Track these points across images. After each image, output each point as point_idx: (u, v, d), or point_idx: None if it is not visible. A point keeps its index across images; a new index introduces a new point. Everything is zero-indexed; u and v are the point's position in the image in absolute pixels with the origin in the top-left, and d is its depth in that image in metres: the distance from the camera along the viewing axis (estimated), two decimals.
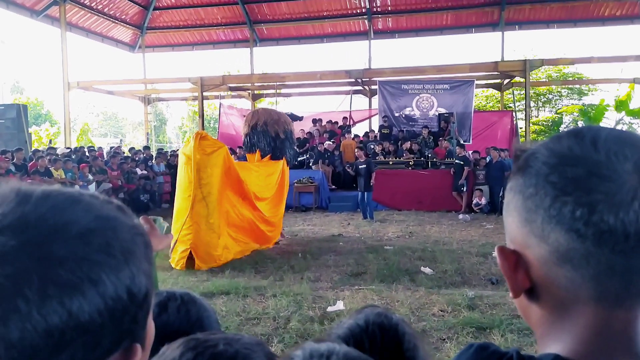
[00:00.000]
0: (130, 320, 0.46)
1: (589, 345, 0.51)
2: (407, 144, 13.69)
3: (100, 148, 16.16)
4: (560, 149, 0.52)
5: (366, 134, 15.64)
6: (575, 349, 0.51)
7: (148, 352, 0.54)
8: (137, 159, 13.99)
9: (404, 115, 15.39)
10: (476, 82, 15.72)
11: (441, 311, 4.66)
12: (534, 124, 20.90)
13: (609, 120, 21.22)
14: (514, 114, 16.00)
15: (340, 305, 4.84)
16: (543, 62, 15.68)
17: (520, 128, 16.18)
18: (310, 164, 13.95)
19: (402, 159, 13.17)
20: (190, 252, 6.57)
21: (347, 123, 16.07)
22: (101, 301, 0.43)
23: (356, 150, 11.75)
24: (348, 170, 12.99)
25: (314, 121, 16.07)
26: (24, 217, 0.43)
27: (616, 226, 0.47)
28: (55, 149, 13.77)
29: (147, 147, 16.20)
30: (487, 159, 12.42)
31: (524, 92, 14.63)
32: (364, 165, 10.73)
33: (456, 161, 12.19)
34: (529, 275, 0.54)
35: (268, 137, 7.97)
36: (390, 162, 13.08)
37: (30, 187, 0.46)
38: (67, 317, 0.41)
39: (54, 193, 0.46)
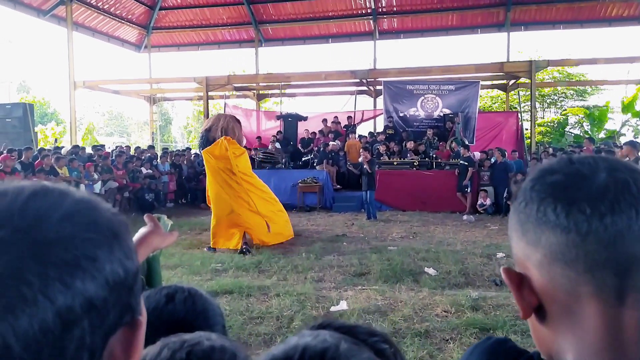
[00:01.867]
0: (127, 294, 0.47)
1: (600, 351, 0.51)
2: (411, 144, 13.68)
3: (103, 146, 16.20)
4: (542, 166, 0.58)
5: (372, 134, 15.62)
6: (587, 354, 0.52)
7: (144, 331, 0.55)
8: (142, 158, 14.05)
9: (408, 116, 15.37)
10: (482, 82, 15.68)
11: (444, 312, 4.66)
12: (539, 125, 20.82)
13: (615, 121, 21.13)
14: (519, 114, 15.96)
15: (343, 305, 4.85)
16: (549, 63, 15.64)
17: (526, 129, 16.14)
18: (315, 164, 13.95)
19: (406, 160, 13.16)
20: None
21: (352, 123, 16.06)
22: (101, 277, 0.44)
23: (361, 150, 11.76)
24: (350, 168, 13.00)
25: (324, 121, 16.05)
26: (6, 209, 0.43)
27: (594, 216, 0.51)
28: (60, 148, 13.86)
29: (152, 147, 16.25)
30: (492, 160, 12.39)
31: (529, 93, 14.57)
32: (367, 166, 10.83)
33: (460, 162, 12.16)
34: (535, 292, 0.56)
35: (204, 140, 8.23)
36: (395, 163, 13.07)
37: (2, 184, 0.47)
38: (72, 296, 0.41)
39: (27, 185, 0.46)
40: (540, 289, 0.55)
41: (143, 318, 0.53)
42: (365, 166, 10.80)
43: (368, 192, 10.87)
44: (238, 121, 8.87)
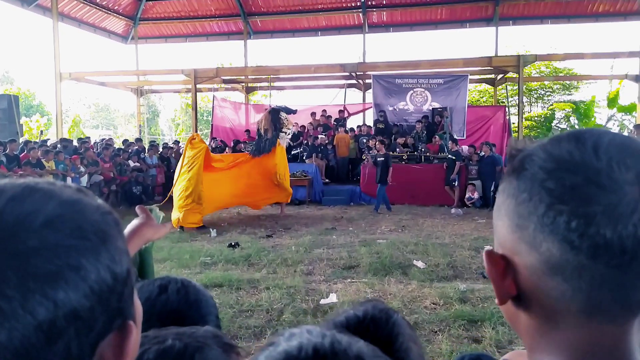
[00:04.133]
0: (117, 299, 0.45)
1: (576, 356, 0.50)
2: (401, 140, 13.73)
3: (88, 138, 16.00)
4: (559, 153, 0.49)
5: (359, 128, 15.63)
6: (563, 357, 0.50)
7: (139, 328, 0.53)
8: (129, 151, 13.91)
9: (397, 110, 15.41)
10: (470, 77, 15.75)
11: (433, 304, 4.70)
12: (526, 119, 21.01)
13: (601, 115, 21.39)
14: (507, 109, 16.07)
15: (333, 298, 4.87)
16: (537, 58, 15.74)
17: (513, 123, 16.25)
18: (304, 158, 13.94)
19: (395, 153, 13.19)
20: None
21: (343, 116, 16.05)
22: (86, 286, 0.42)
23: (377, 143, 11.89)
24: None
25: (313, 114, 16.08)
26: None
27: (613, 240, 0.45)
28: (46, 141, 13.67)
29: (139, 139, 16.10)
30: (480, 154, 12.48)
31: (517, 87, 14.68)
32: (382, 159, 11.02)
33: (448, 156, 12.24)
34: (516, 282, 0.52)
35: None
36: None
37: None
38: (54, 308, 0.40)
39: (9, 185, 0.44)
40: (526, 288, 0.51)
41: (138, 318, 0.51)
42: (380, 159, 11.02)
43: (379, 185, 10.97)
44: (274, 111, 10.61)
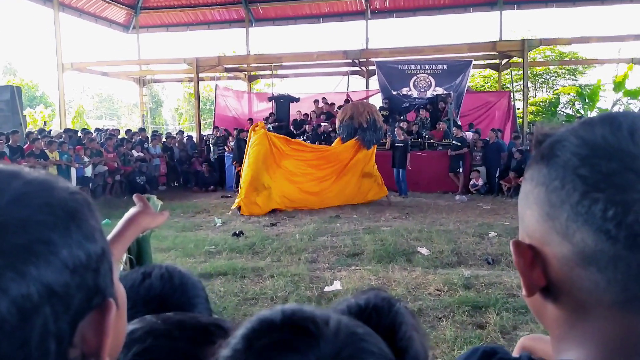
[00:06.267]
0: (93, 276, 0.44)
1: (613, 353, 0.47)
2: (404, 125, 13.65)
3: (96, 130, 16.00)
4: (593, 139, 0.47)
5: None
6: (598, 355, 0.47)
7: (124, 312, 0.52)
8: (133, 141, 13.93)
9: (401, 95, 15.31)
10: (474, 62, 15.61)
11: (437, 290, 4.71)
12: (531, 104, 20.82)
13: (606, 100, 21.19)
14: (511, 94, 15.94)
15: (337, 286, 4.88)
16: (541, 42, 15.56)
17: (518, 109, 16.13)
18: None
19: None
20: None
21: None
22: (57, 260, 0.41)
23: (397, 128, 12.02)
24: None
25: (316, 102, 16.02)
26: None
27: None
28: (44, 131, 13.66)
29: (142, 129, 16.09)
30: (486, 139, 12.41)
31: (521, 72, 14.54)
32: (401, 145, 11.39)
33: (453, 142, 12.18)
34: (545, 273, 0.50)
35: (351, 129, 10.36)
36: (387, 144, 13.04)
37: None
38: (27, 284, 0.39)
39: None
40: (556, 279, 0.49)
41: (121, 300, 0.51)
42: (399, 144, 11.38)
43: (400, 170, 11.34)
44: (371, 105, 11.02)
